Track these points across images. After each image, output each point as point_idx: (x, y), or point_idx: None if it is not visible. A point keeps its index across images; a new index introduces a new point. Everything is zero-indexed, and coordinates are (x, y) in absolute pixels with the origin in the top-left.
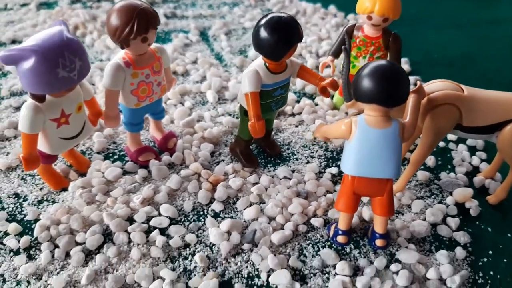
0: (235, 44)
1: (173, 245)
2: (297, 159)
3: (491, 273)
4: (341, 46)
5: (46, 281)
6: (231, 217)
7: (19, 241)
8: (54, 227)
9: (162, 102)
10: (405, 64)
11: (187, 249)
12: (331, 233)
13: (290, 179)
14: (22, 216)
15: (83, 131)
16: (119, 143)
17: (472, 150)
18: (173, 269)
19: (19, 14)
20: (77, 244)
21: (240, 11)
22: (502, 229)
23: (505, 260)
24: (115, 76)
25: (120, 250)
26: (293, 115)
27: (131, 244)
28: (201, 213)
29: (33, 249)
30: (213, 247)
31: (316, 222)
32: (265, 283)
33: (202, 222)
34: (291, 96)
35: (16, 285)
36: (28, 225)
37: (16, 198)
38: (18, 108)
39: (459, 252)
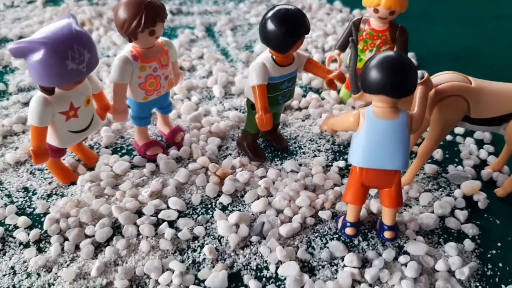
0: (240, 39)
1: (181, 237)
2: (304, 153)
3: (500, 265)
4: (347, 39)
5: (56, 273)
6: (239, 210)
7: (28, 234)
8: (64, 220)
9: (170, 96)
10: (411, 59)
11: (196, 241)
12: (339, 225)
13: (297, 172)
14: (32, 209)
15: (91, 125)
16: (127, 137)
17: (480, 143)
18: (182, 261)
19: (25, 11)
20: (87, 236)
21: (245, 7)
22: (511, 221)
23: None
24: (123, 70)
25: (129, 242)
26: (299, 109)
27: (140, 236)
28: (209, 206)
29: (43, 242)
30: (222, 239)
31: (324, 214)
32: (273, 275)
33: (210, 215)
34: (297, 90)
35: (27, 277)
36: (38, 218)
37: (25, 192)
38: (26, 104)
39: (468, 244)
